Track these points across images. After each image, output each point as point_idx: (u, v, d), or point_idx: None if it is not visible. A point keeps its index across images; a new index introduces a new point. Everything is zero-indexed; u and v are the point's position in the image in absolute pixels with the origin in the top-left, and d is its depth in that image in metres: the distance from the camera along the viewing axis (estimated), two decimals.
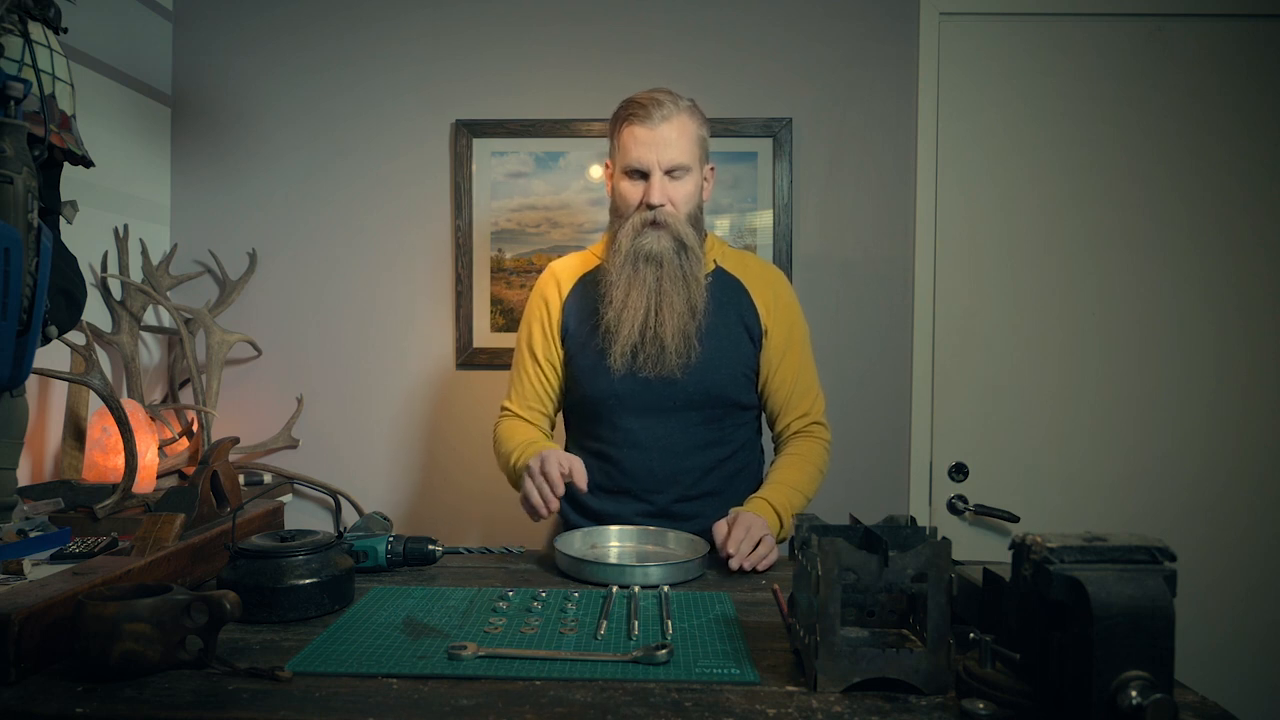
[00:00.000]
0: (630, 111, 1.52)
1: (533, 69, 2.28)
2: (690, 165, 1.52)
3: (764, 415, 1.69)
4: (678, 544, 1.45)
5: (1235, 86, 2.22)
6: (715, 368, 1.56)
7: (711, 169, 1.63)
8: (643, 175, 1.52)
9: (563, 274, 1.66)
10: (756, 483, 1.66)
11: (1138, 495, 2.24)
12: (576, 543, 1.43)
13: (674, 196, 1.52)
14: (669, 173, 1.51)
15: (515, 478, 1.54)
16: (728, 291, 1.61)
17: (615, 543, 1.48)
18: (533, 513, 1.40)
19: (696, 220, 1.58)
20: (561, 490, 1.38)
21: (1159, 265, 2.24)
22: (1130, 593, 0.72)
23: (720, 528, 1.39)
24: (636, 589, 1.23)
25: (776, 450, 1.65)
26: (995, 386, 2.26)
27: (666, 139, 1.49)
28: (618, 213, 1.58)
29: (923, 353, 2.25)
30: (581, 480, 1.40)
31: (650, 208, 1.51)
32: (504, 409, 1.68)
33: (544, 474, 1.38)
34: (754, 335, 1.61)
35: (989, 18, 2.24)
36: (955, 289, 2.26)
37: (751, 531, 1.36)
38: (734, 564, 1.33)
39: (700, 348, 1.54)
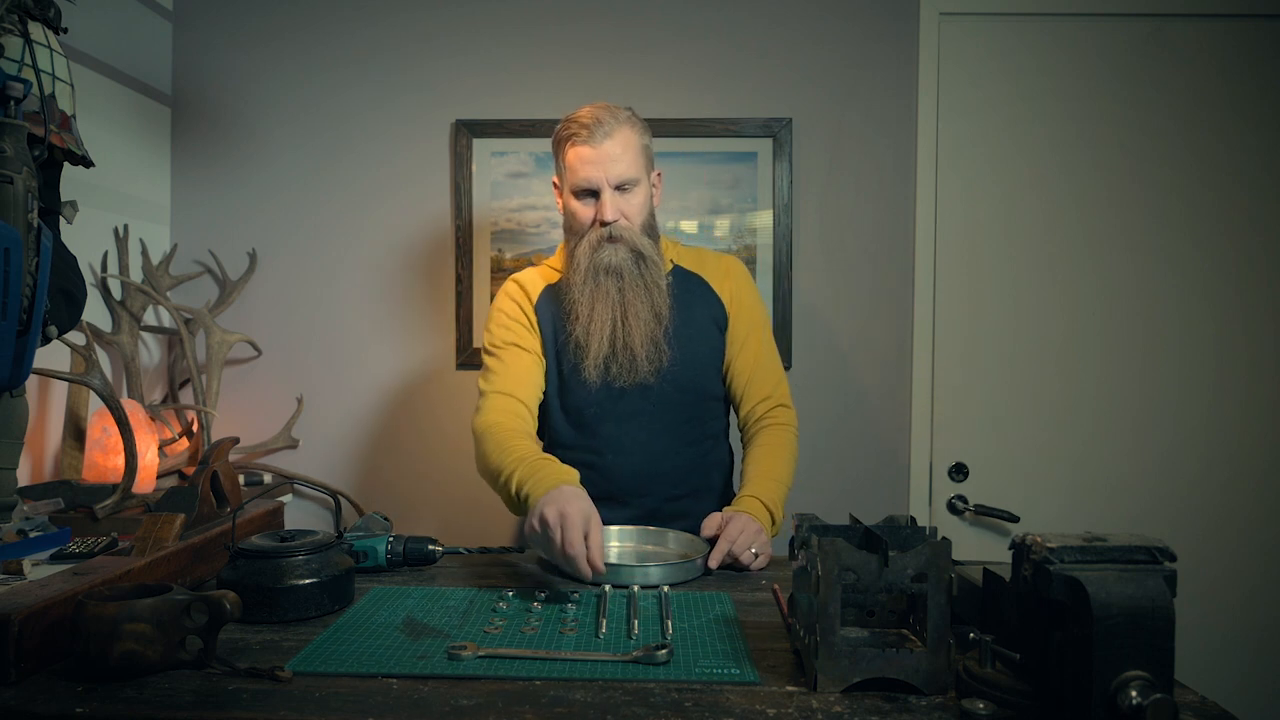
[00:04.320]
0: (572, 132, 1.52)
1: (533, 69, 2.27)
2: (638, 177, 1.54)
3: (729, 401, 1.70)
4: (677, 543, 1.45)
5: (1235, 86, 2.22)
6: (688, 365, 1.58)
7: (659, 175, 1.65)
8: (593, 194, 1.53)
9: (528, 284, 1.65)
10: (730, 470, 1.71)
11: (1138, 495, 2.23)
12: None
13: (626, 210, 1.54)
14: (619, 188, 1.52)
15: (510, 500, 1.40)
16: (690, 288, 1.63)
17: (615, 543, 1.48)
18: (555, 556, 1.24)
19: (650, 228, 1.60)
20: (598, 558, 1.20)
21: (1159, 265, 2.24)
22: (1130, 593, 0.72)
23: (712, 523, 1.40)
24: (636, 589, 1.23)
25: (746, 441, 1.65)
26: (995, 386, 2.26)
27: (612, 155, 1.50)
28: (572, 230, 1.59)
29: (923, 353, 2.25)
30: (597, 548, 1.20)
31: (605, 224, 1.52)
32: (488, 394, 1.53)
33: (572, 541, 1.19)
34: (720, 326, 1.64)
35: (989, 18, 2.24)
36: (955, 289, 2.26)
37: (747, 531, 1.38)
38: (714, 563, 1.35)
39: (670, 350, 1.56)
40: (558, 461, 1.38)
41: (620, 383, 1.55)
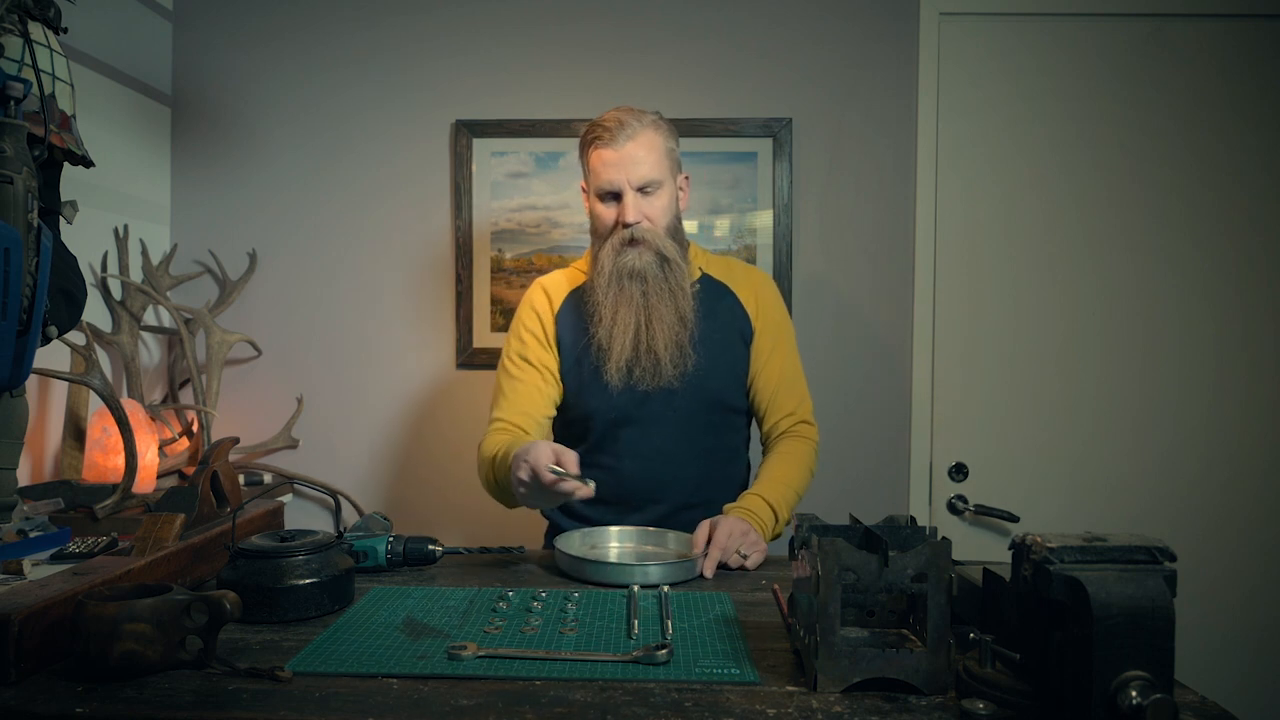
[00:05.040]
0: (595, 135, 1.53)
1: (533, 69, 2.27)
2: (661, 179, 1.54)
3: (752, 415, 1.69)
4: (677, 544, 1.45)
5: (1235, 86, 2.22)
6: (712, 374, 1.58)
7: (686, 178, 1.64)
8: (615, 196, 1.54)
9: (552, 289, 1.66)
10: (745, 487, 1.69)
11: (1138, 495, 2.23)
12: (575, 543, 1.43)
13: (649, 212, 1.54)
14: (641, 190, 1.53)
15: (494, 488, 1.51)
16: (717, 298, 1.63)
17: (615, 543, 1.49)
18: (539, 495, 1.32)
19: (675, 231, 1.59)
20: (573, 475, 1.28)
21: (1159, 265, 2.24)
22: (1130, 593, 0.72)
23: (703, 529, 1.39)
24: (636, 588, 1.23)
25: (765, 450, 1.66)
26: (995, 386, 2.26)
27: (634, 157, 1.50)
28: (597, 234, 1.59)
29: (923, 352, 2.25)
30: (571, 464, 1.28)
31: (627, 226, 1.53)
32: (494, 420, 1.60)
33: (547, 479, 1.27)
34: (746, 338, 1.63)
35: (989, 18, 2.24)
36: (955, 289, 2.26)
37: (734, 533, 1.37)
38: (708, 571, 1.32)
39: (695, 356, 1.55)
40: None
41: (643, 386, 1.55)
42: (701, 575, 1.34)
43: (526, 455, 1.30)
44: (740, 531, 1.38)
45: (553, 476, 1.27)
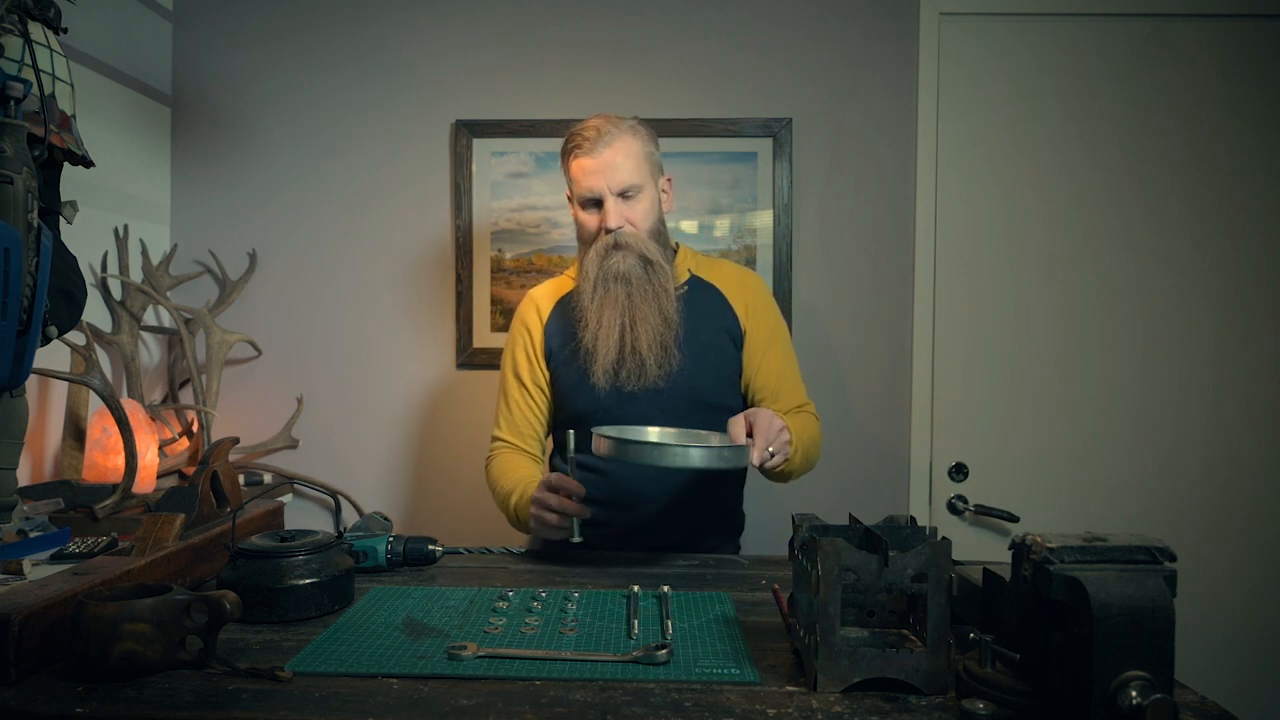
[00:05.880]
0: (574, 144, 1.56)
1: (533, 69, 2.27)
2: (641, 183, 1.56)
3: None
4: (720, 443, 1.42)
5: (1235, 86, 2.22)
6: (698, 374, 1.58)
7: (668, 180, 1.66)
8: (597, 203, 1.56)
9: (541, 299, 1.70)
10: (740, 487, 1.71)
11: (1138, 495, 2.23)
12: (612, 433, 1.36)
13: (631, 217, 1.56)
14: (622, 195, 1.54)
15: (514, 517, 1.57)
16: (705, 298, 1.64)
17: (656, 439, 1.48)
18: (554, 530, 1.42)
19: (659, 234, 1.61)
20: (580, 492, 1.39)
21: (1159, 265, 2.24)
22: (1130, 593, 0.72)
23: (739, 423, 1.34)
24: (636, 589, 1.23)
25: None
26: (995, 386, 2.26)
27: (612, 164, 1.53)
28: (582, 240, 1.62)
29: (923, 352, 2.25)
30: (568, 485, 1.40)
31: (609, 231, 1.55)
32: (495, 439, 1.70)
33: (553, 490, 1.41)
34: (735, 338, 1.63)
35: (989, 18, 2.24)
36: (955, 289, 2.26)
37: (774, 423, 1.34)
38: (757, 458, 1.29)
39: (680, 355, 1.56)
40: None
41: (629, 387, 1.56)
42: (751, 465, 1.30)
43: (537, 496, 1.43)
44: (779, 427, 1.35)
45: (559, 511, 1.38)
